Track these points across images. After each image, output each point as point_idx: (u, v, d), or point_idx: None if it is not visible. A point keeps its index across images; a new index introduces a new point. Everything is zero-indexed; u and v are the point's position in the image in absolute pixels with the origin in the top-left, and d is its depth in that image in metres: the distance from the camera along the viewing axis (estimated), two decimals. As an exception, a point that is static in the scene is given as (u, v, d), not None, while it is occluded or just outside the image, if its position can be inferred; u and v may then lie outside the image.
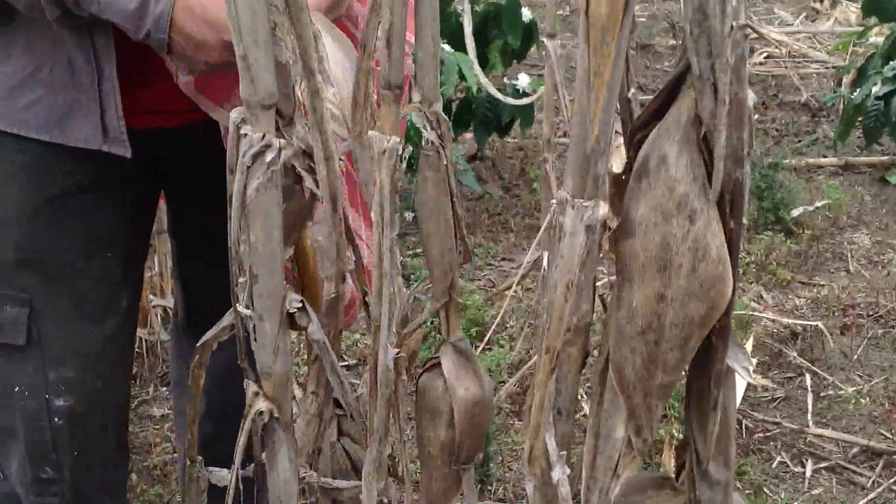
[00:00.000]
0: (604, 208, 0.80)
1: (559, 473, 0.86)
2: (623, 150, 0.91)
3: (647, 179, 0.79)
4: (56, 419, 1.41)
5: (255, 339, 0.97)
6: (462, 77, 3.37)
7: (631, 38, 0.78)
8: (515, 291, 2.72)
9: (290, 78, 0.91)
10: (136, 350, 2.61)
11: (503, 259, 3.52)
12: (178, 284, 1.78)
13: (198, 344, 1.04)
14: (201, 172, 1.44)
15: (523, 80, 3.73)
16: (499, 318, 2.54)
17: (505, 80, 3.91)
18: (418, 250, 3.31)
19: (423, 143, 0.91)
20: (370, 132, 0.88)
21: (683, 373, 0.86)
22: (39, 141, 1.31)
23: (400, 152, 0.86)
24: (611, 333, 0.83)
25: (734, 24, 0.70)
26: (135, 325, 1.55)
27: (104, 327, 1.43)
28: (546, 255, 2.54)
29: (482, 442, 1.09)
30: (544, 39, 2.34)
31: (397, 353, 0.94)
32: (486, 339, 2.65)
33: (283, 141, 0.90)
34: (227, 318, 0.99)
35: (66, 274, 1.38)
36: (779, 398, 2.70)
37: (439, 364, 1.05)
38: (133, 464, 2.35)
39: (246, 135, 0.89)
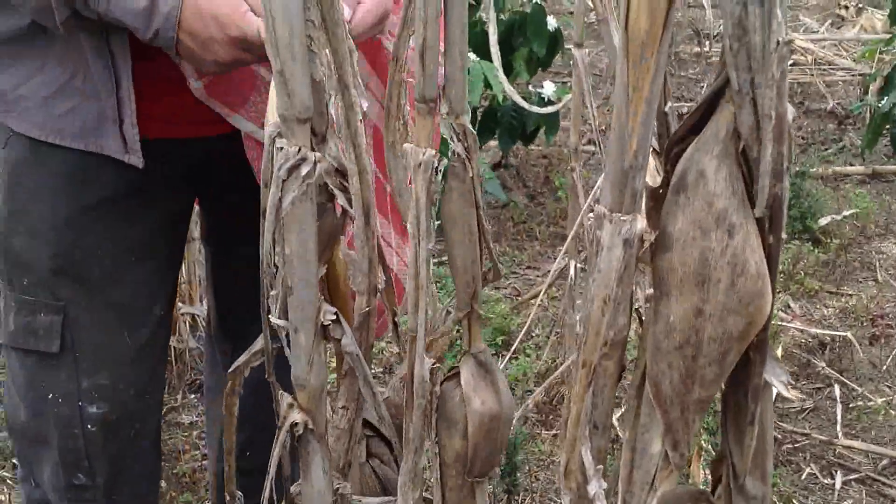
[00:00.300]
0: (641, 223, 0.80)
1: (595, 487, 0.86)
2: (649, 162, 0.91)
3: (686, 194, 0.78)
4: (89, 426, 1.42)
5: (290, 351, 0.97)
6: (487, 85, 3.37)
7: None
8: (541, 300, 2.72)
9: (324, 95, 0.91)
10: (165, 358, 2.63)
11: (528, 267, 3.52)
12: (211, 291, 1.79)
13: (229, 371, 1.04)
14: (235, 181, 1.45)
15: (548, 89, 3.73)
16: (525, 328, 2.54)
17: (530, 88, 3.91)
18: (443, 258, 3.31)
19: (449, 154, 0.91)
20: (405, 145, 0.88)
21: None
22: (75, 150, 1.33)
23: (436, 165, 0.87)
24: (648, 348, 0.83)
25: (780, 39, 0.69)
26: (168, 334, 1.56)
27: (138, 335, 1.44)
28: (573, 263, 2.54)
29: (499, 457, 1.08)
30: (572, 49, 2.34)
31: (433, 364, 0.94)
32: (513, 348, 2.65)
33: (318, 154, 0.91)
34: (259, 343, 1.00)
35: (101, 282, 1.40)
36: (807, 409, 2.68)
37: (459, 374, 1.04)
38: (162, 471, 2.36)
39: (282, 148, 0.90)
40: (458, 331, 1.05)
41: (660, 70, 0.75)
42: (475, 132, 0.91)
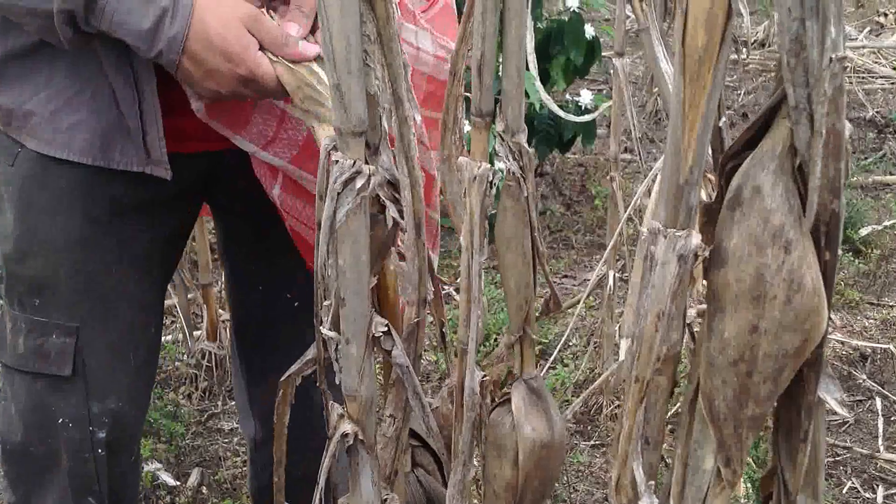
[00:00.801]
0: (696, 238, 0.79)
1: (647, 503, 0.86)
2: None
3: (741, 209, 0.78)
4: (99, 450, 1.41)
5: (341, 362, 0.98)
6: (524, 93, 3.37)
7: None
8: (579, 310, 2.71)
9: (377, 109, 0.92)
10: (206, 364, 2.65)
11: (564, 276, 3.52)
12: (229, 304, 1.77)
13: (281, 378, 1.05)
14: (246, 195, 1.43)
15: (585, 97, 3.73)
16: (564, 338, 2.53)
17: (567, 96, 3.90)
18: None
19: (505, 173, 0.91)
20: (461, 158, 0.89)
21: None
22: (82, 164, 1.31)
23: (490, 178, 0.87)
24: (701, 363, 0.83)
25: (833, 56, 0.69)
26: (159, 349, 1.55)
27: (139, 353, 1.43)
28: (611, 273, 2.53)
29: (551, 489, 1.05)
30: (612, 58, 2.34)
31: (483, 377, 0.94)
32: (551, 358, 2.65)
33: (372, 167, 0.92)
34: (311, 352, 1.00)
35: (111, 299, 1.38)
36: (848, 422, 2.65)
37: (510, 399, 1.03)
38: (203, 477, 2.39)
39: (337, 161, 0.91)
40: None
41: (717, 86, 0.75)
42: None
